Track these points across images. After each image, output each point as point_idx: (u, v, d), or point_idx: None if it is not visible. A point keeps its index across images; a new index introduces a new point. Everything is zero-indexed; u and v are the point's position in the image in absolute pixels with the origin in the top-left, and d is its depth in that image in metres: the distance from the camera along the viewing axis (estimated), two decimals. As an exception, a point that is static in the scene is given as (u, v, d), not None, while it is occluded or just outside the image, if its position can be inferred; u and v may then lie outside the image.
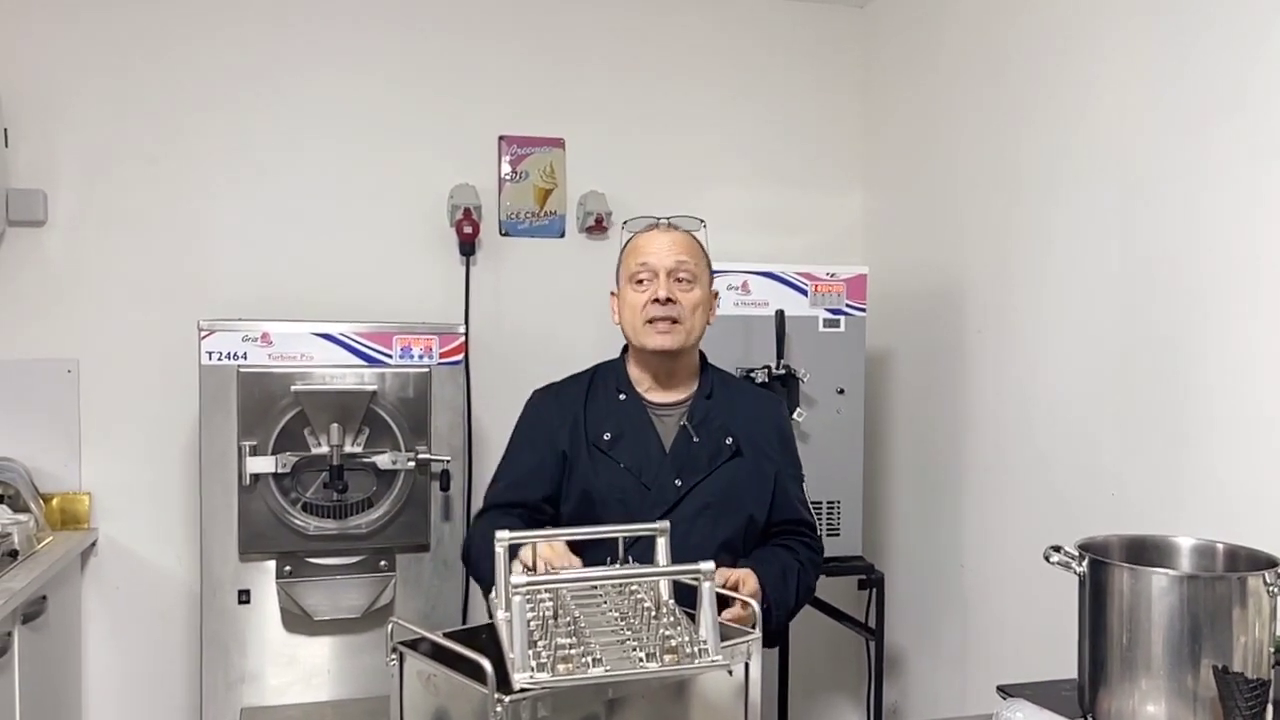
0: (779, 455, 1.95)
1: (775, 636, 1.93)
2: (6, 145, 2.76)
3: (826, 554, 2.64)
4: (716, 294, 1.97)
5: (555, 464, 1.88)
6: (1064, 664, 1.62)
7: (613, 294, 1.96)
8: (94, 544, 2.86)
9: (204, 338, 2.44)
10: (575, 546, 1.68)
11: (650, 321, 1.83)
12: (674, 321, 1.83)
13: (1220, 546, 1.56)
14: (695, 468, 1.86)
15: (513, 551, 1.42)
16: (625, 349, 1.98)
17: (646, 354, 1.88)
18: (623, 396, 1.91)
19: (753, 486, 1.90)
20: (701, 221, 1.96)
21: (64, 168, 2.84)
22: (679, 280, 1.85)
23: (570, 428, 1.89)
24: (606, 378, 1.96)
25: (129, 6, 2.87)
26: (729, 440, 1.89)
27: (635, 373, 1.94)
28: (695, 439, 1.88)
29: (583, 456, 1.87)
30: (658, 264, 1.84)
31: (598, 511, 1.83)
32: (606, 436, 1.88)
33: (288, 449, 2.45)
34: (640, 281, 1.85)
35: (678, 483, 1.85)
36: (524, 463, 1.92)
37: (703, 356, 1.99)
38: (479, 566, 1.86)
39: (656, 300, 1.82)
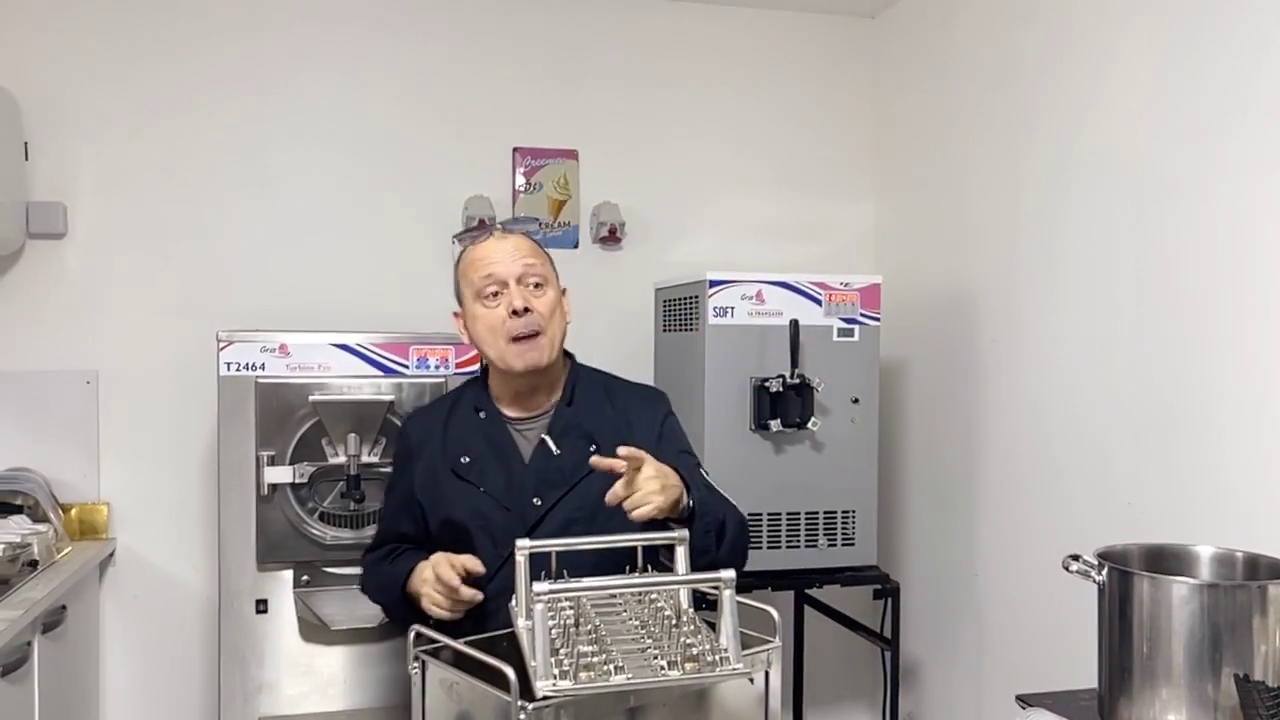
0: (655, 450, 1.68)
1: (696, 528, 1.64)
2: (27, 159, 2.79)
3: (841, 564, 2.67)
4: (565, 290, 1.84)
5: (414, 500, 1.83)
6: (1080, 673, 1.63)
7: (455, 314, 1.85)
8: (112, 554, 2.88)
9: (222, 349, 2.46)
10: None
11: (514, 341, 1.73)
12: (536, 334, 1.73)
13: (1240, 555, 1.56)
14: (556, 482, 1.75)
15: (534, 561, 1.43)
16: (485, 366, 1.88)
17: (510, 374, 1.77)
18: (482, 415, 1.82)
19: None
20: (537, 220, 1.90)
21: (83, 181, 2.87)
22: (532, 286, 1.75)
23: (426, 456, 1.80)
24: (469, 398, 1.86)
25: (147, 20, 2.90)
26: (592, 448, 1.74)
27: (496, 389, 1.84)
28: (556, 451, 1.76)
29: (443, 483, 1.78)
30: (505, 272, 1.73)
31: (463, 537, 1.74)
32: (465, 460, 1.78)
33: (305, 459, 2.46)
34: (492, 295, 1.74)
35: (536, 501, 1.74)
36: (392, 501, 1.90)
37: (571, 359, 1.89)
38: (376, 597, 1.92)
39: (514, 313, 1.72)
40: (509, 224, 1.83)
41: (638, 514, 1.51)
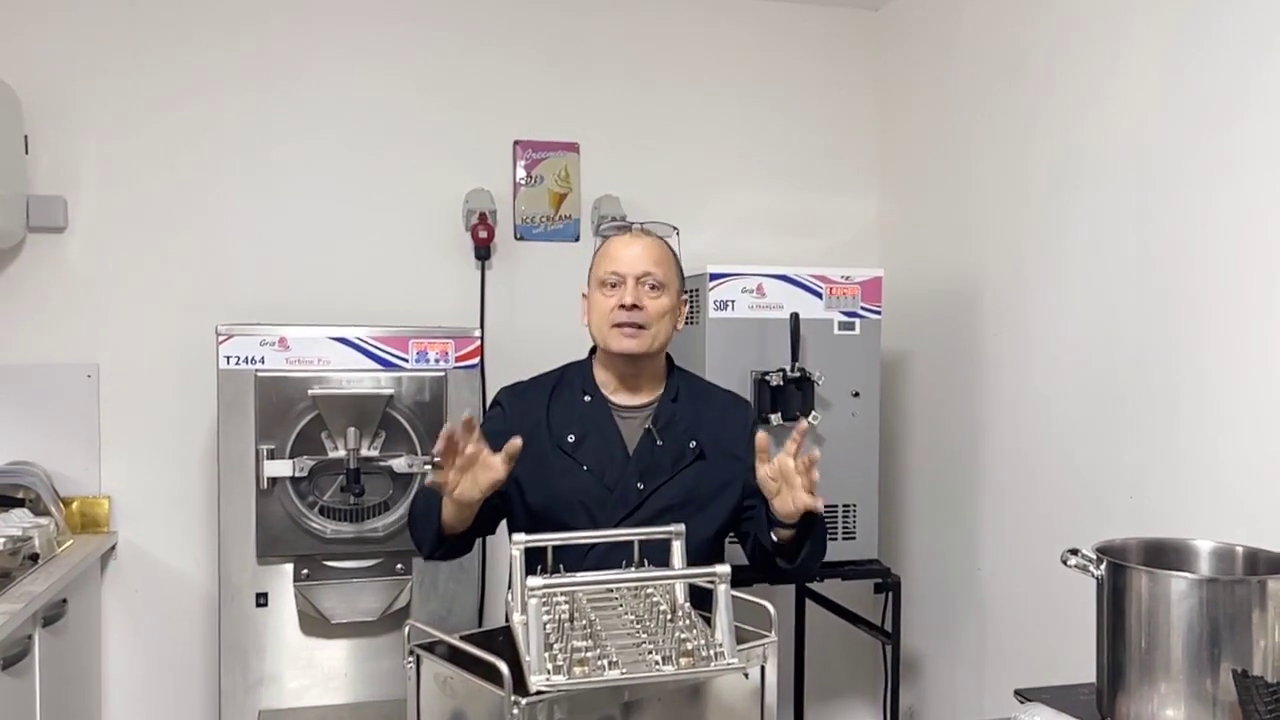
0: (746, 455, 1.90)
1: (802, 562, 1.83)
2: (27, 152, 2.79)
3: (841, 558, 2.67)
4: (686, 301, 1.99)
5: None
6: (1083, 667, 1.62)
7: (584, 295, 1.97)
8: (113, 547, 2.88)
9: (222, 342, 2.46)
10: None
11: (616, 326, 1.86)
12: (639, 327, 1.86)
13: (1239, 549, 1.56)
14: (658, 471, 1.87)
15: (529, 555, 1.43)
16: (593, 350, 1.99)
17: (612, 357, 1.91)
18: (588, 398, 1.93)
19: (716, 490, 1.89)
20: (674, 228, 1.98)
21: (84, 174, 2.87)
22: (648, 288, 1.87)
23: (531, 430, 1.86)
24: (573, 379, 1.97)
25: (148, 14, 2.90)
26: (693, 444, 1.90)
27: (601, 375, 1.95)
28: (659, 442, 1.89)
29: (545, 458, 1.87)
30: (627, 271, 1.87)
31: (560, 514, 1.83)
32: (570, 439, 1.89)
33: (305, 453, 2.47)
34: (611, 286, 1.88)
35: (640, 486, 1.86)
36: None
37: (670, 360, 2.01)
38: (417, 514, 1.88)
39: (623, 306, 1.85)
40: (648, 225, 1.97)
41: (805, 500, 1.66)
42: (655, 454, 1.88)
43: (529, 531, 1.83)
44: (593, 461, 1.87)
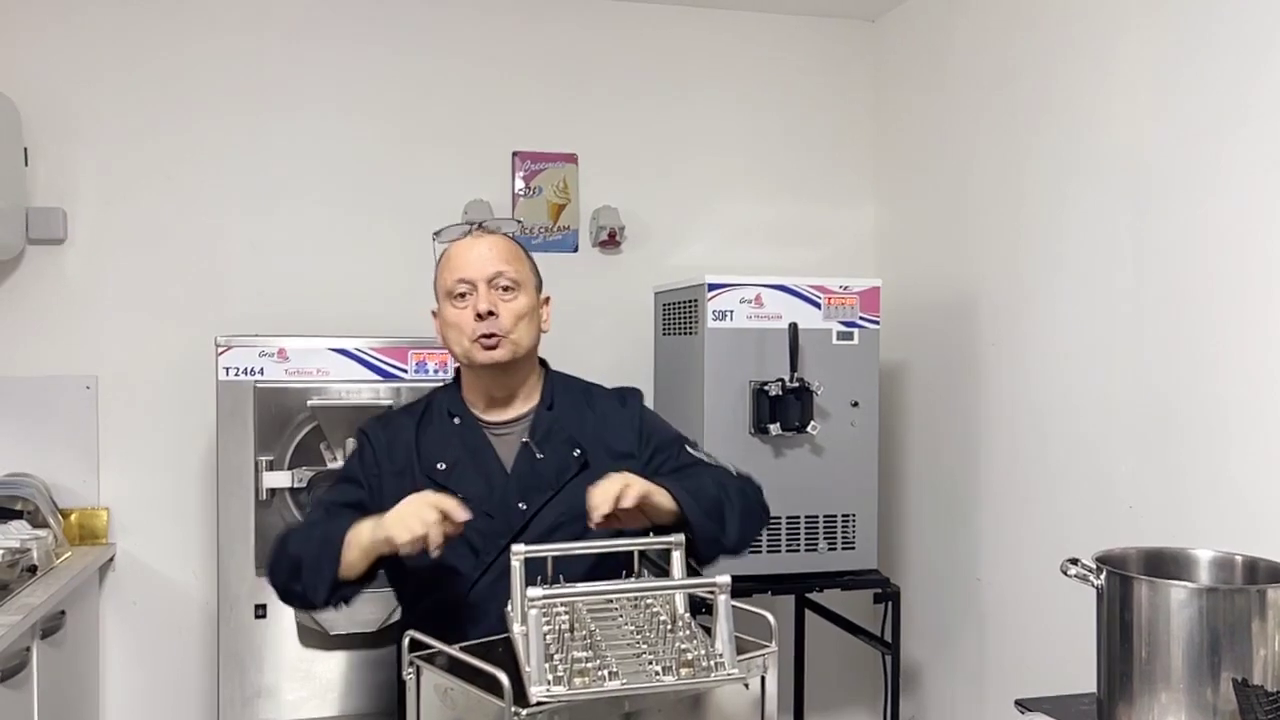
0: (640, 450, 1.78)
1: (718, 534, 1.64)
2: (27, 164, 2.80)
3: (842, 568, 2.67)
4: (548, 299, 1.85)
5: (368, 505, 1.69)
6: (1084, 677, 1.62)
7: (433, 313, 1.82)
8: (112, 559, 2.88)
9: (221, 353, 2.46)
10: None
11: (474, 340, 1.71)
12: (500, 335, 1.71)
13: (1239, 559, 1.56)
14: (540, 487, 1.72)
15: (529, 566, 1.43)
16: (458, 374, 1.85)
17: (478, 373, 1.76)
18: (457, 421, 1.78)
19: None
20: (519, 222, 1.87)
21: (83, 186, 2.87)
22: (501, 290, 1.73)
23: (401, 464, 1.74)
24: (441, 404, 1.82)
25: (147, 27, 2.91)
26: (576, 452, 1.75)
27: (470, 395, 1.81)
28: (539, 455, 1.74)
29: (419, 491, 1.63)
30: (475, 275, 1.72)
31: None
32: (441, 466, 1.73)
33: (304, 464, 2.46)
34: (460, 296, 1.73)
35: (521, 506, 1.71)
36: (342, 498, 1.74)
37: (544, 364, 1.87)
38: (294, 551, 1.63)
39: (478, 316, 1.70)
40: (488, 224, 1.81)
41: (596, 516, 1.50)
42: (535, 469, 1.72)
43: (409, 574, 1.71)
44: (469, 488, 1.69)
